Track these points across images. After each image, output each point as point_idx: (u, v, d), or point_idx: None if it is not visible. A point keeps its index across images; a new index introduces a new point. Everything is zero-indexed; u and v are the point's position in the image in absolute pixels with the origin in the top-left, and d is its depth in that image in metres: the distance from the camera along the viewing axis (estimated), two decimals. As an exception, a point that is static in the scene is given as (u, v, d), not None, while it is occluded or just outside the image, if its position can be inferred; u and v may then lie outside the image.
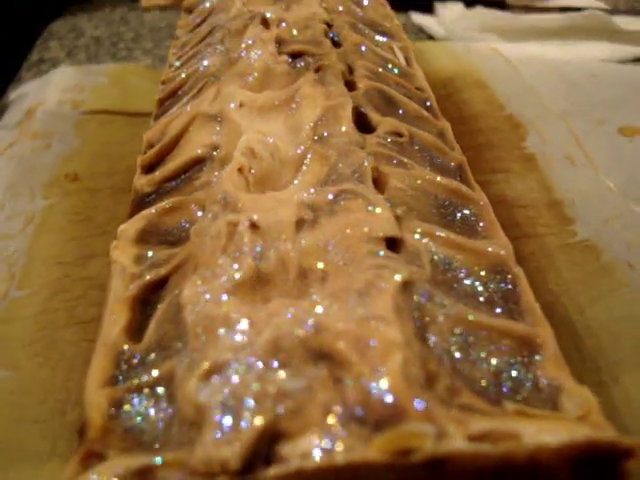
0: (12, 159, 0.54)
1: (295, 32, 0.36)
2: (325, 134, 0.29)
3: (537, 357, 0.22)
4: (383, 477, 0.17)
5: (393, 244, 0.24)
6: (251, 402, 0.18)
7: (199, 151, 0.30)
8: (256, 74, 0.33)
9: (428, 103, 0.38)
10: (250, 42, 0.35)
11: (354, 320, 0.19)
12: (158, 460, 0.18)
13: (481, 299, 0.24)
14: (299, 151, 0.28)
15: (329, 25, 0.40)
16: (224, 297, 0.21)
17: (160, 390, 0.21)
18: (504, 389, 0.21)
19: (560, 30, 0.68)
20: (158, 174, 0.30)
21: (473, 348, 0.22)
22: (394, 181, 0.27)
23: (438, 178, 0.28)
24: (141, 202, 0.30)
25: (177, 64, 0.40)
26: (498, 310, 0.24)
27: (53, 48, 0.77)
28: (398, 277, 0.21)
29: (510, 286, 0.25)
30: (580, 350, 0.34)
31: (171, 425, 0.19)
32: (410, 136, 0.31)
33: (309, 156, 0.27)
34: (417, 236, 0.24)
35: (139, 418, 0.20)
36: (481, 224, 0.28)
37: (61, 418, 0.34)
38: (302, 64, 0.34)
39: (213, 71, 0.36)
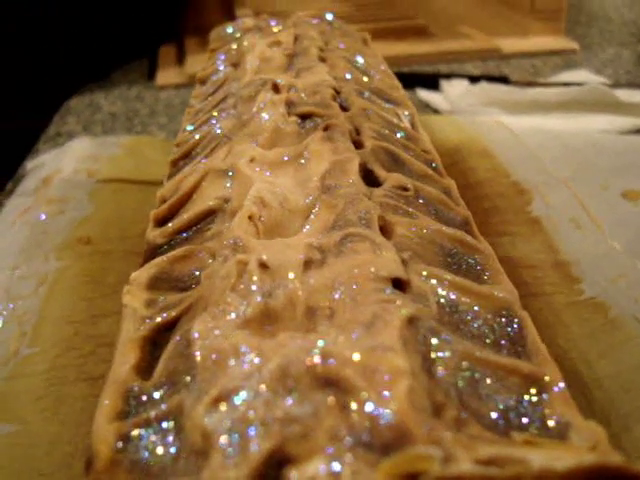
0: (26, 224, 0.55)
1: (304, 96, 0.38)
2: (332, 185, 0.29)
3: (544, 395, 0.22)
4: (390, 504, 0.17)
5: (399, 285, 0.24)
6: (258, 426, 0.18)
7: (210, 203, 0.31)
8: (266, 134, 0.34)
9: (434, 164, 0.39)
10: (261, 105, 0.36)
11: (361, 349, 0.20)
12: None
13: (487, 340, 0.24)
14: (307, 201, 0.29)
15: (337, 92, 0.42)
16: (234, 332, 0.21)
17: (168, 424, 0.21)
18: (512, 423, 0.21)
19: (562, 103, 0.70)
20: (170, 226, 0.31)
21: (480, 384, 0.22)
22: (400, 229, 0.28)
23: (443, 227, 0.29)
24: (153, 253, 0.31)
25: (190, 128, 0.42)
26: (505, 351, 0.24)
27: (70, 122, 0.79)
28: (404, 312, 0.21)
29: (516, 329, 0.25)
30: (590, 403, 0.33)
31: (179, 457, 0.19)
32: (416, 190, 0.32)
33: (317, 205, 0.28)
34: (423, 278, 0.25)
35: (147, 451, 0.20)
36: (486, 272, 0.29)
37: (68, 470, 0.34)
38: (311, 125, 0.36)
39: (225, 132, 0.38)
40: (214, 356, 0.21)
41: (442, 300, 0.25)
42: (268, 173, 0.31)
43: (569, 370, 0.35)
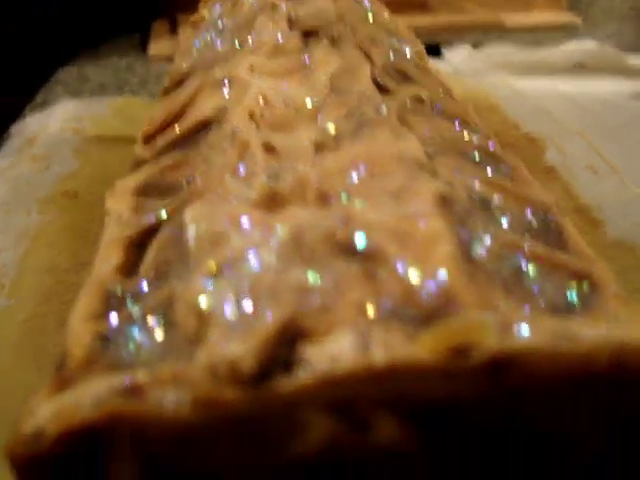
0: (9, 179, 0.52)
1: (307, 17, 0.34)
2: (342, 87, 0.26)
3: (596, 292, 0.19)
4: (433, 387, 0.14)
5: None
6: (267, 298, 0.15)
7: (205, 113, 0.27)
8: (267, 48, 0.31)
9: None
10: (260, 25, 0.33)
11: (390, 214, 0.16)
12: (148, 375, 0.14)
13: (527, 237, 0.21)
14: (315, 99, 0.25)
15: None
16: (235, 210, 0.18)
17: (155, 317, 0.17)
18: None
19: (570, 65, 0.67)
20: (160, 140, 0.28)
21: (525, 276, 0.18)
22: (421, 129, 0.24)
23: (466, 132, 0.26)
24: (141, 166, 0.27)
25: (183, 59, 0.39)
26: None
27: (58, 91, 0.76)
28: (437, 186, 0.18)
29: (555, 231, 0.22)
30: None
31: (167, 350, 0.16)
32: (432, 102, 0.29)
33: (327, 104, 0.25)
34: (451, 170, 0.21)
35: (129, 347, 0.17)
36: (516, 180, 0.25)
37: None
38: (315, 40, 0.32)
39: (222, 54, 0.34)
40: (211, 237, 0.17)
41: (473, 195, 0.21)
42: (270, 80, 0.28)
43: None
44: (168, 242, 0.19)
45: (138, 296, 0.18)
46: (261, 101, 0.25)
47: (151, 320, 0.17)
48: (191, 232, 0.18)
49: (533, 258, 0.19)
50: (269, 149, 0.20)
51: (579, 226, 0.40)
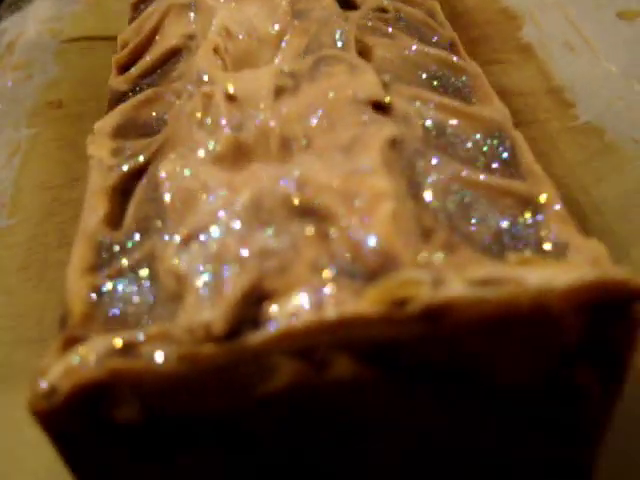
0: (-7, 94, 0.52)
1: None
2: (304, 9, 0.27)
3: (541, 216, 0.21)
4: (378, 333, 0.16)
5: (380, 109, 0.22)
6: (233, 263, 0.17)
7: (174, 42, 0.28)
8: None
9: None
10: None
11: (339, 174, 0.18)
12: (140, 335, 0.17)
13: (478, 162, 0.23)
14: (277, 28, 0.26)
15: None
16: (202, 169, 0.20)
17: (141, 272, 0.19)
18: (506, 246, 0.20)
19: None
20: (134, 71, 0.29)
21: (471, 207, 0.20)
22: (380, 51, 0.25)
23: (427, 48, 0.27)
24: (118, 101, 0.28)
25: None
26: (497, 174, 0.22)
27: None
28: (387, 132, 0.20)
29: (509, 150, 0.24)
30: (588, 230, 0.32)
31: (154, 304, 0.18)
32: (396, 11, 0.29)
33: (288, 32, 0.25)
34: (406, 100, 0.23)
35: (121, 302, 0.19)
36: (475, 93, 0.26)
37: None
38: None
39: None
40: (182, 195, 0.19)
41: (428, 123, 0.23)
42: (234, 4, 0.28)
43: (566, 197, 0.34)
44: (146, 196, 0.21)
45: (124, 250, 0.20)
46: (224, 33, 0.25)
47: (137, 274, 0.19)
48: (165, 190, 0.20)
49: (480, 189, 0.21)
50: (231, 98, 0.22)
51: (552, 109, 0.41)
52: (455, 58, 0.27)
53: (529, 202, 0.21)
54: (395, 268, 0.16)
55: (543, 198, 0.21)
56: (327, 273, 0.16)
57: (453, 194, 0.20)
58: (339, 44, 0.24)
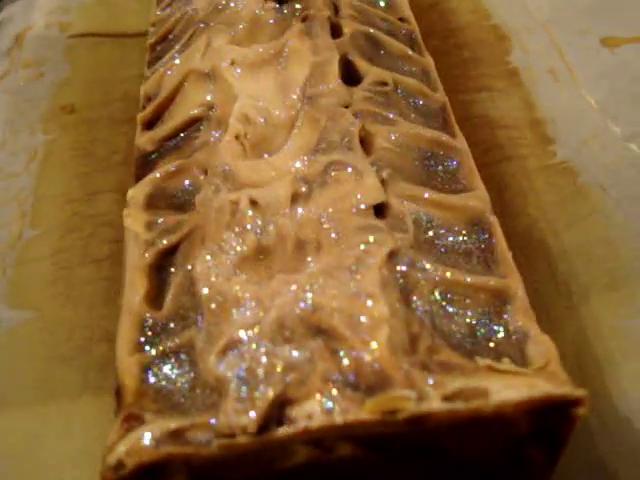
0: (6, 92, 0.55)
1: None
2: (314, 94, 0.30)
3: (508, 307, 0.26)
4: (375, 433, 0.21)
5: (380, 208, 0.27)
6: (263, 375, 0.21)
7: (195, 111, 0.32)
8: (243, 24, 0.34)
9: (413, 35, 0.39)
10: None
11: (346, 297, 0.22)
12: (189, 423, 0.21)
13: (460, 251, 0.27)
14: (290, 113, 0.30)
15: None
16: (232, 272, 0.24)
17: (183, 357, 0.24)
18: (478, 339, 0.24)
19: None
20: (158, 132, 0.32)
21: (451, 304, 0.25)
22: (380, 141, 0.29)
23: (421, 131, 0.30)
24: (144, 161, 0.32)
25: (163, 4, 0.41)
26: (475, 260, 0.27)
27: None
28: (385, 250, 0.24)
29: (486, 236, 0.28)
30: (554, 274, 0.37)
31: (195, 388, 0.23)
32: (395, 83, 0.33)
33: (300, 119, 0.29)
34: (401, 200, 0.27)
35: (166, 381, 0.24)
36: (462, 172, 0.31)
37: (88, 354, 0.37)
38: (289, 9, 0.35)
39: (201, 16, 0.37)
40: (218, 299, 0.24)
41: (418, 218, 0.27)
42: (249, 77, 0.31)
43: (538, 240, 0.39)
44: (182, 289, 0.25)
45: (166, 332, 0.25)
46: (244, 119, 0.29)
47: (179, 359, 0.24)
48: (200, 287, 0.24)
49: (459, 287, 0.25)
50: (254, 203, 0.26)
51: (532, 144, 0.45)
52: (445, 137, 0.31)
53: (499, 294, 0.26)
54: (389, 385, 0.21)
55: (511, 291, 0.26)
56: (336, 385, 0.21)
57: (437, 294, 0.25)
58: (346, 141, 0.28)
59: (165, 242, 0.28)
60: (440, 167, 0.30)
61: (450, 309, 0.25)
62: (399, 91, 0.33)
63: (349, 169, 0.27)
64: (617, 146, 0.43)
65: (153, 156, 0.33)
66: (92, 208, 0.45)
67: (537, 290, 0.37)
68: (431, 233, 0.27)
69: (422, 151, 0.30)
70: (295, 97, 0.30)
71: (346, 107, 0.30)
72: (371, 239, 0.24)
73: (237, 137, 0.29)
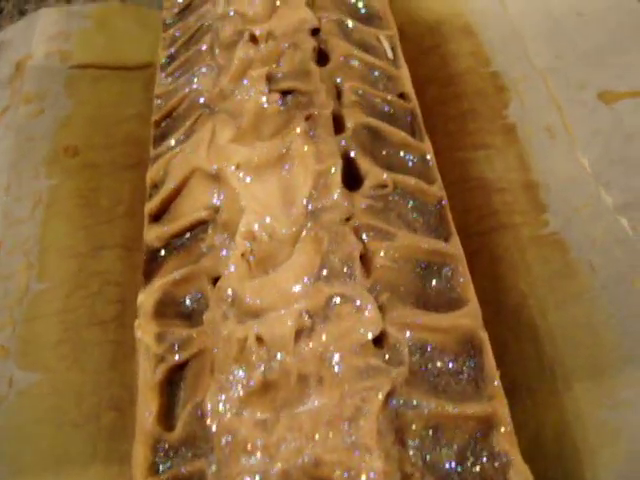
0: (9, 128, 0.55)
1: (284, 62, 0.37)
2: (317, 208, 0.31)
3: (494, 432, 0.28)
4: None
5: (378, 336, 0.28)
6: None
7: (202, 213, 0.33)
8: (248, 116, 0.35)
9: (413, 115, 0.40)
10: (245, 84, 0.36)
11: (345, 450, 0.24)
12: None
13: (451, 372, 0.29)
14: (294, 229, 0.31)
15: (317, 30, 0.41)
16: (240, 407, 0.26)
17: (194, 486, 0.26)
18: (465, 465, 0.26)
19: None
20: (166, 230, 0.34)
21: (441, 435, 0.27)
22: (379, 259, 0.31)
23: (418, 242, 0.32)
24: (153, 257, 0.34)
25: (169, 71, 0.42)
26: (465, 380, 0.29)
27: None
28: (382, 395, 0.26)
29: (477, 356, 0.30)
30: (540, 357, 0.39)
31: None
32: (394, 185, 0.34)
33: (303, 236, 0.31)
34: (398, 327, 0.29)
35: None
36: (455, 280, 0.32)
37: (97, 422, 0.39)
38: (293, 102, 0.36)
39: (206, 99, 0.38)
40: (227, 438, 0.26)
41: (414, 344, 0.29)
42: (254, 183, 0.33)
43: (526, 322, 0.40)
44: (193, 419, 0.27)
45: (178, 456, 0.27)
46: (250, 237, 0.30)
47: (190, 486, 0.26)
48: (210, 421, 0.26)
49: (450, 418, 0.27)
50: (260, 340, 0.27)
51: (526, 211, 0.46)
52: (441, 245, 0.32)
53: (486, 420, 0.28)
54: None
55: (497, 417, 0.28)
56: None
57: (429, 430, 0.27)
58: (347, 267, 0.29)
59: (176, 358, 0.29)
60: (435, 278, 0.32)
61: (440, 440, 0.27)
62: (398, 194, 0.34)
63: (350, 303, 0.28)
64: (608, 218, 0.44)
65: (161, 253, 0.34)
66: (98, 264, 0.46)
67: (524, 372, 0.39)
68: (425, 359, 0.29)
69: (418, 263, 0.32)
70: (299, 212, 0.31)
71: (348, 219, 0.32)
72: (370, 384, 0.26)
73: (244, 255, 0.30)
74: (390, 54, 0.43)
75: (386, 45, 0.44)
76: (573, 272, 0.42)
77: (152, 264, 0.34)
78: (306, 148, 0.33)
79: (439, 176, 0.38)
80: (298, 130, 0.34)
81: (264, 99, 0.36)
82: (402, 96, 0.41)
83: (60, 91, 0.58)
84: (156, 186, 0.36)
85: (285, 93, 0.37)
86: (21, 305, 0.45)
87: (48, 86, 0.58)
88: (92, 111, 0.56)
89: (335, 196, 0.32)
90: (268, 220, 0.31)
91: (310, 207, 0.32)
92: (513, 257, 0.44)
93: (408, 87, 0.41)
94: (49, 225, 0.49)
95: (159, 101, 0.40)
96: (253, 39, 0.39)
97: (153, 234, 0.34)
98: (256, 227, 0.31)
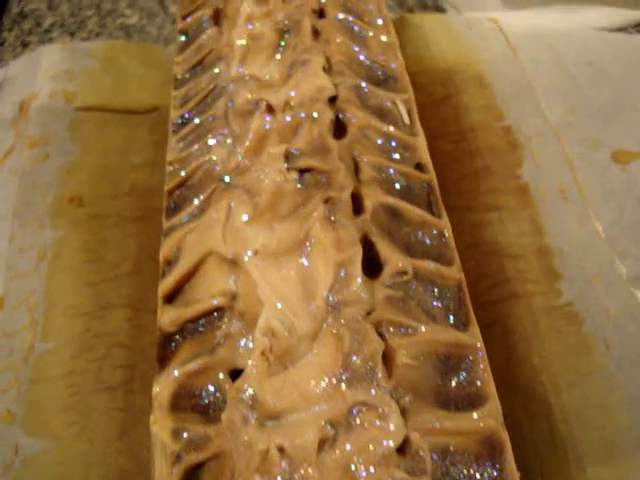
0: (13, 173, 0.55)
1: (301, 136, 0.37)
2: (337, 302, 0.31)
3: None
4: None
5: (401, 450, 0.28)
6: None
7: (218, 300, 0.32)
8: (266, 195, 0.34)
9: (430, 187, 0.39)
10: (258, 154, 0.36)
11: None
12: None
13: (472, 476, 0.29)
14: (314, 324, 0.30)
15: (334, 98, 0.40)
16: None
17: None
18: None
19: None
20: (180, 314, 0.33)
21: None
22: (401, 357, 0.30)
23: (438, 336, 0.31)
24: (167, 342, 0.33)
25: (181, 134, 0.41)
26: (487, 482, 0.28)
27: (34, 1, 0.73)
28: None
29: (497, 454, 0.29)
30: (553, 436, 0.39)
31: None
32: (414, 272, 0.33)
33: (323, 332, 0.30)
34: (420, 434, 0.28)
35: None
36: (476, 372, 0.32)
37: (106, 497, 0.39)
38: (310, 181, 0.35)
39: (221, 170, 0.37)
40: None
41: (436, 448, 0.28)
42: (272, 270, 0.32)
43: (540, 396, 0.40)
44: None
45: None
46: (270, 333, 0.30)
47: None
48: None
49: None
50: (282, 450, 0.27)
51: (539, 279, 0.46)
52: (461, 336, 0.32)
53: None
54: None
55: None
56: None
57: None
58: (369, 367, 0.29)
59: (192, 458, 0.29)
60: (455, 371, 0.31)
61: None
62: (418, 280, 0.34)
63: (374, 411, 0.28)
64: (622, 290, 0.44)
65: (175, 338, 0.33)
66: (104, 324, 0.46)
67: (537, 451, 0.39)
68: (446, 464, 0.28)
69: (438, 356, 0.31)
70: (319, 305, 0.31)
71: (368, 313, 0.31)
72: None
73: (263, 352, 0.30)
74: (406, 119, 0.43)
75: (402, 110, 0.43)
76: (587, 348, 0.42)
77: (166, 349, 0.33)
78: (326, 235, 0.33)
79: (457, 255, 0.37)
80: (316, 214, 0.33)
81: (282, 178, 0.35)
82: (419, 166, 0.40)
83: (65, 135, 0.57)
84: (169, 263, 0.36)
85: (302, 170, 0.36)
86: (26, 365, 0.45)
87: (53, 129, 0.57)
88: (98, 159, 0.55)
89: (355, 287, 0.31)
90: (288, 314, 0.31)
91: (330, 299, 0.31)
92: (526, 329, 0.43)
93: (425, 157, 0.41)
94: (54, 280, 0.48)
95: (171, 168, 0.39)
96: (269, 109, 0.38)
97: (167, 319, 0.33)
98: (276, 324, 0.30)
